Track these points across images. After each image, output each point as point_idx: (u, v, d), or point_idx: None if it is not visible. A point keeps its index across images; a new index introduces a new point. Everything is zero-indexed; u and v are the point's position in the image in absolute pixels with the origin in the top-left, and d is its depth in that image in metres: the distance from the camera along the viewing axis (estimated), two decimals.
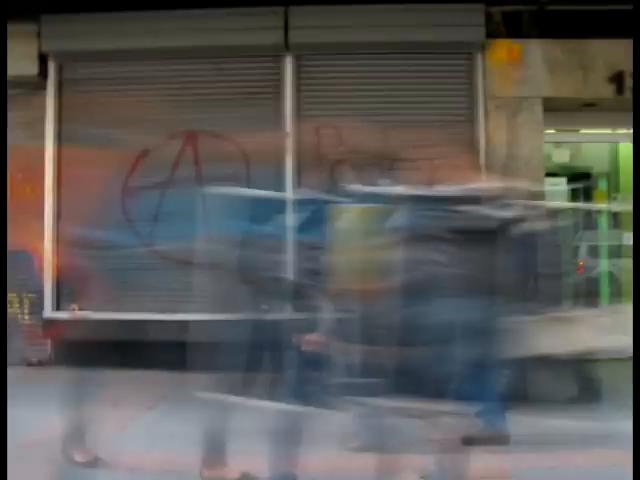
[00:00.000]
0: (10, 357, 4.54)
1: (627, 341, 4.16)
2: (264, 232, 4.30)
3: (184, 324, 5.28)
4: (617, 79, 7.30)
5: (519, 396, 3.90)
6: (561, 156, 8.48)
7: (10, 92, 6.50)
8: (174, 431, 4.89)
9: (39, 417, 4.87)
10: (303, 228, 4.50)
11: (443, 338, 3.65)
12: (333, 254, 4.19)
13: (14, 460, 3.85)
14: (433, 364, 3.66)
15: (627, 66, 6.82)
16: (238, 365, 4.09)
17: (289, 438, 4.09)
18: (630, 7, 6.02)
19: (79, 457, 4.48)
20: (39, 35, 7.69)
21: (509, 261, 3.88)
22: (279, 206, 4.59)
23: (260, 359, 4.23)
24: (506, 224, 3.92)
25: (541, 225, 4.04)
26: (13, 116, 6.77)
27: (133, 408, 5.67)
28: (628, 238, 7.52)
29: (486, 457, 4.14)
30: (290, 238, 4.45)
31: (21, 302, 7.68)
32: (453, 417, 3.76)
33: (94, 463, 4.48)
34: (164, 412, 5.76)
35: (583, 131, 8.18)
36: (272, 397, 4.18)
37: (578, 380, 4.17)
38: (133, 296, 6.89)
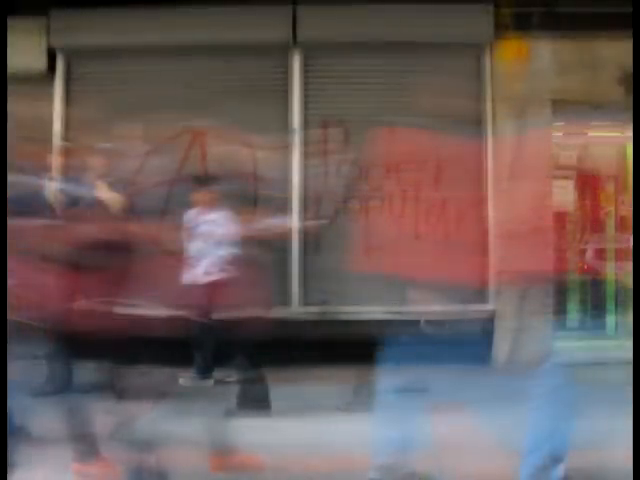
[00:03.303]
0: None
1: (629, 343, 4.15)
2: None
3: (187, 321, 5.28)
4: (626, 80, 7.26)
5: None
6: (568, 157, 8.44)
7: (17, 87, 6.50)
8: (178, 428, 4.90)
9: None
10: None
11: None
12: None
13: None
14: None
15: None
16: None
17: None
18: None
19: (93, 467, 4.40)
20: (48, 30, 7.71)
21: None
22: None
23: None
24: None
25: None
26: (20, 111, 6.78)
27: (136, 405, 5.67)
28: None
29: (486, 458, 4.15)
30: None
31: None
32: None
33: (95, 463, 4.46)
34: (166, 410, 5.77)
35: (591, 132, 8.14)
36: None
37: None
38: (137, 293, 6.88)
